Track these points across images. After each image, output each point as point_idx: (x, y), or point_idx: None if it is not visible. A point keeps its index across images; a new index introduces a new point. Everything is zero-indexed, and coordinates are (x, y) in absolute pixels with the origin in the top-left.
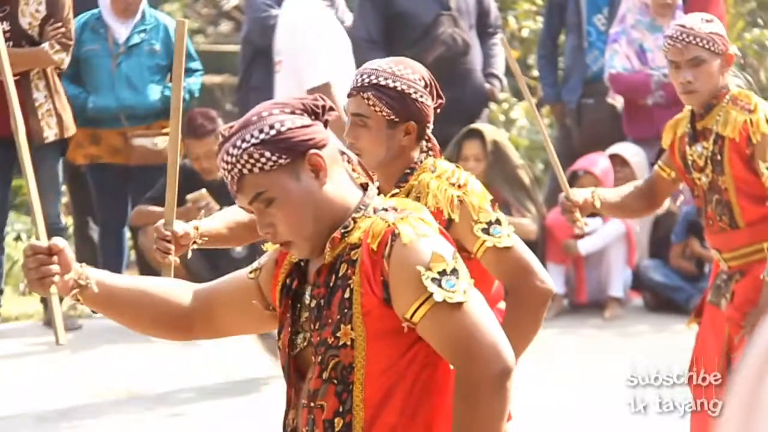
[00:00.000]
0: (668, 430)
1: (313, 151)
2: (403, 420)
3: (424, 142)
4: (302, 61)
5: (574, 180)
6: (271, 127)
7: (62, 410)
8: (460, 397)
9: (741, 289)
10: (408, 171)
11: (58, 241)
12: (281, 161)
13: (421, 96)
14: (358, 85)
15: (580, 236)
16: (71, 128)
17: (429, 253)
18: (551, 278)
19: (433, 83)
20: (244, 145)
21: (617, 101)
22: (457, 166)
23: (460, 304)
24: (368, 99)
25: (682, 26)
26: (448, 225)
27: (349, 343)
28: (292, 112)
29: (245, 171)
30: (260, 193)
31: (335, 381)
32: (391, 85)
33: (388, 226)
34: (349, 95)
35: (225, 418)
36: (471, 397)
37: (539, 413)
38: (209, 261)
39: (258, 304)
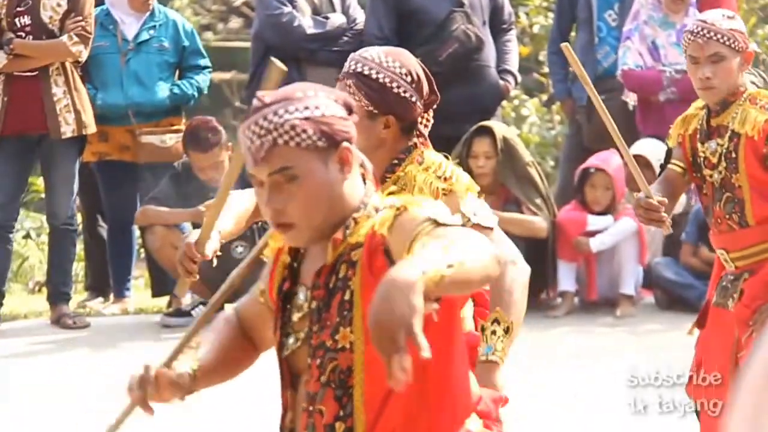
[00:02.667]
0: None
1: (346, 144)
2: (406, 422)
3: (416, 139)
4: None
5: (585, 177)
6: (317, 107)
7: (70, 408)
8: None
9: (750, 287)
10: (395, 162)
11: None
12: (319, 143)
13: (405, 91)
14: (345, 71)
15: (592, 234)
16: (90, 126)
17: (430, 211)
18: (563, 276)
19: (423, 79)
20: (287, 116)
21: (630, 98)
22: (445, 156)
23: (447, 225)
24: (350, 87)
25: (704, 22)
26: None
27: (348, 346)
28: (335, 101)
29: (280, 141)
30: (287, 167)
31: (333, 385)
32: (374, 76)
33: (397, 209)
34: (337, 80)
35: (240, 413)
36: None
37: (548, 409)
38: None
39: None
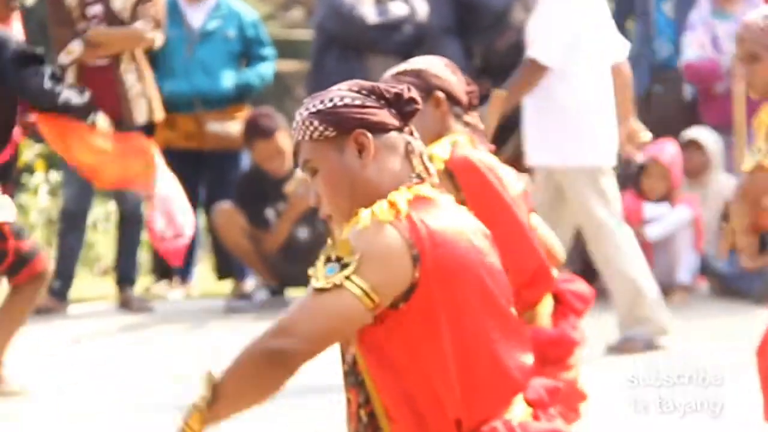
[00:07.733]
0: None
1: (360, 130)
2: (416, 396)
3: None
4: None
5: (642, 167)
6: (331, 100)
7: (136, 392)
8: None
9: None
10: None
11: None
12: (327, 133)
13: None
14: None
15: (649, 222)
16: (159, 113)
17: (345, 238)
18: None
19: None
20: (305, 113)
21: (686, 90)
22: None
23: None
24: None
25: (744, 21)
26: None
27: None
28: (359, 92)
29: (298, 137)
30: (307, 160)
31: (349, 373)
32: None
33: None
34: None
35: (301, 398)
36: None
37: (603, 396)
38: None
39: None
